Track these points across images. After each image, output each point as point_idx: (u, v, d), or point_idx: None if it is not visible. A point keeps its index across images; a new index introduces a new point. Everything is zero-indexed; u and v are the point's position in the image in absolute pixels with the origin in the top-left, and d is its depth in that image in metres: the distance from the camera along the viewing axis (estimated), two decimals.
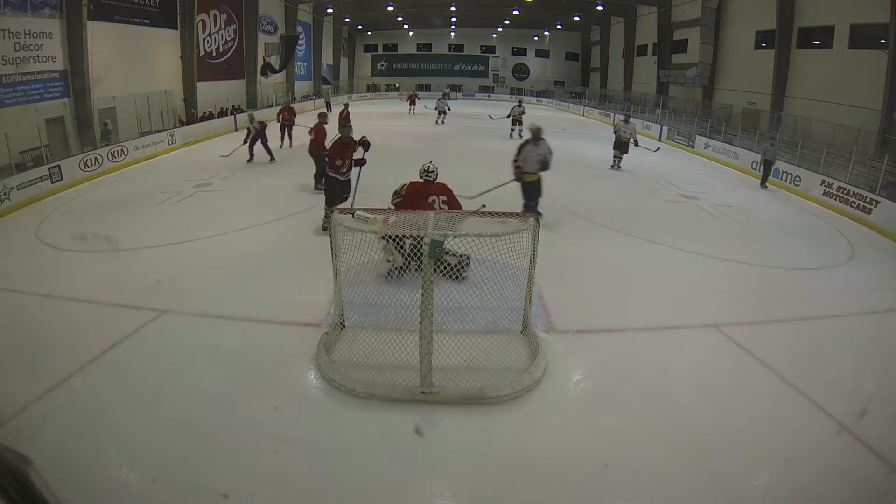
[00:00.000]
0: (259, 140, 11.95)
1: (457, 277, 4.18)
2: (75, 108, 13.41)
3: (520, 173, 7.32)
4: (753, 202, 10.21)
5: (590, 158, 14.02)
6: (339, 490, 2.87)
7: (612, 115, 25.24)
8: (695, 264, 6.48)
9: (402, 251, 4.62)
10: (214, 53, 20.62)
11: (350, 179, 7.11)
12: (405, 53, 42.10)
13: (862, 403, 3.68)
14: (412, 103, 26.23)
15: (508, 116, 17.48)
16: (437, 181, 5.48)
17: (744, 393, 3.86)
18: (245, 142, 11.92)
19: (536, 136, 7.33)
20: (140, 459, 3.03)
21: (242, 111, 20.84)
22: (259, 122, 12.04)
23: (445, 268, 3.84)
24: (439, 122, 21.47)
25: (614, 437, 3.31)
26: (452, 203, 5.37)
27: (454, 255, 4.15)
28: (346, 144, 6.96)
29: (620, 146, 12.38)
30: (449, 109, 22.39)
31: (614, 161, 12.54)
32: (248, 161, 11.97)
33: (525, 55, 41.49)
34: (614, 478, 2.99)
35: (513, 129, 17.18)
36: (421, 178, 5.46)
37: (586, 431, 3.36)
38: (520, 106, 17.66)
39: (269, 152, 12.17)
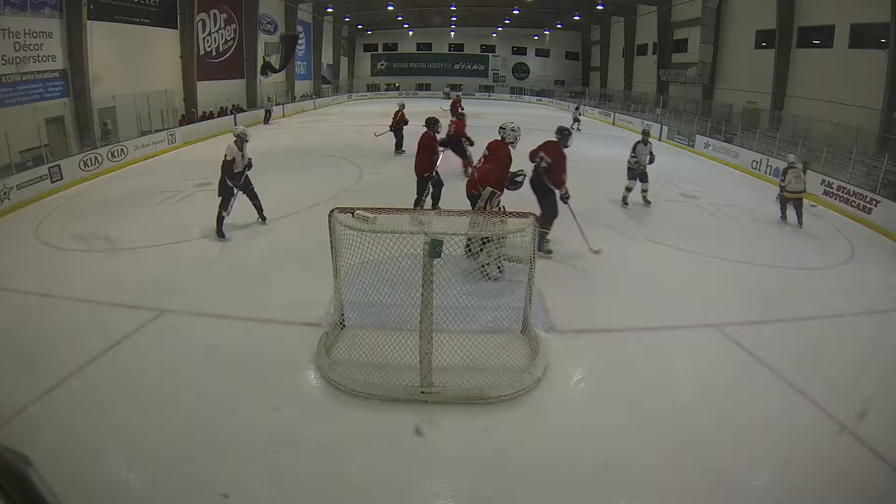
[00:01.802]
0: (242, 185, 6.90)
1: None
2: (75, 108, 13.42)
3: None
4: (753, 202, 10.20)
5: (590, 158, 14.02)
6: (339, 490, 2.87)
7: (612, 114, 25.20)
8: (695, 264, 6.48)
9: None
10: (214, 53, 20.61)
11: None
12: (405, 53, 42.05)
13: (862, 403, 3.68)
14: (456, 111, 18.50)
15: (636, 162, 8.84)
16: (506, 143, 5.63)
17: (744, 393, 3.86)
18: (228, 180, 6.68)
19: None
20: (140, 459, 3.03)
21: (242, 110, 20.78)
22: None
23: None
24: (575, 128, 18.39)
25: (615, 436, 3.31)
26: (490, 160, 5.52)
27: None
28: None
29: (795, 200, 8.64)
30: (582, 116, 19.95)
31: (795, 211, 8.54)
32: (219, 236, 6.73)
33: (525, 54, 41.46)
34: (615, 477, 3.00)
35: (626, 195, 9.02)
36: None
37: (586, 431, 3.36)
38: (646, 144, 8.90)
39: (259, 208, 7.24)
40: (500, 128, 5.69)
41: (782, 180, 8.25)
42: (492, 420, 3.40)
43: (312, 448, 3.16)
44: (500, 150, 5.57)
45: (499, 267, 5.18)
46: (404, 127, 12.98)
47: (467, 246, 4.53)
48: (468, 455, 3.15)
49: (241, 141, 6.84)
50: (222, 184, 6.73)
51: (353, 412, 3.46)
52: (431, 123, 7.35)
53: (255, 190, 7.16)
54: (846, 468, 3.08)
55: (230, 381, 3.76)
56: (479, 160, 5.84)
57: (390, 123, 13.24)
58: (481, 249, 4.58)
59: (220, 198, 6.76)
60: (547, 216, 5.95)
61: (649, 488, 2.94)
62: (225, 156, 6.72)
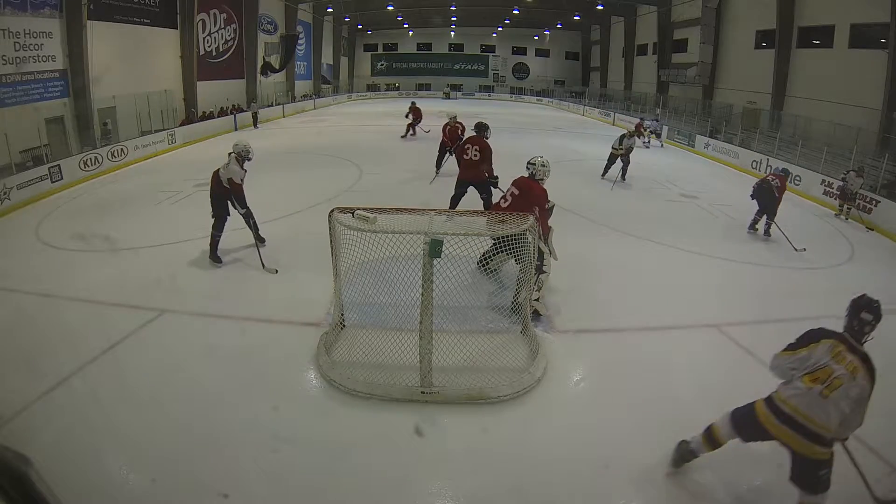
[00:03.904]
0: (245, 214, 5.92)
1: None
2: (75, 108, 13.44)
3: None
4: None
5: (590, 158, 14.01)
6: (339, 490, 2.87)
7: (612, 114, 25.18)
8: (695, 264, 6.48)
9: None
10: (214, 53, 20.62)
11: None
12: (405, 53, 42.06)
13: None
14: (641, 135, 15.63)
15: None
16: (535, 179, 4.94)
17: (744, 393, 3.84)
18: (238, 206, 5.85)
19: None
20: (140, 459, 3.03)
21: (243, 110, 20.75)
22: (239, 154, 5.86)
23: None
24: (660, 145, 17.51)
25: (614, 436, 3.31)
26: (517, 203, 4.71)
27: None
28: None
29: (848, 196, 9.62)
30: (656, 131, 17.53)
31: (842, 210, 9.75)
32: (215, 261, 5.98)
33: (525, 54, 41.46)
34: (615, 477, 3.00)
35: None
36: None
37: (587, 431, 3.36)
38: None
39: (259, 238, 6.15)
40: (529, 163, 5.00)
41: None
42: (492, 420, 3.40)
43: (312, 448, 3.16)
44: (528, 188, 4.87)
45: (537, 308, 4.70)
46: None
47: (483, 261, 4.36)
48: (468, 455, 3.15)
49: (243, 160, 5.88)
50: (221, 205, 5.82)
51: (353, 412, 3.46)
52: (483, 129, 7.45)
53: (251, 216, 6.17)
54: (846, 468, 3.07)
55: (230, 381, 3.76)
56: (505, 198, 4.98)
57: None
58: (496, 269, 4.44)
59: (215, 218, 5.84)
60: (770, 218, 7.68)
61: (649, 488, 2.94)
62: (232, 179, 5.70)
